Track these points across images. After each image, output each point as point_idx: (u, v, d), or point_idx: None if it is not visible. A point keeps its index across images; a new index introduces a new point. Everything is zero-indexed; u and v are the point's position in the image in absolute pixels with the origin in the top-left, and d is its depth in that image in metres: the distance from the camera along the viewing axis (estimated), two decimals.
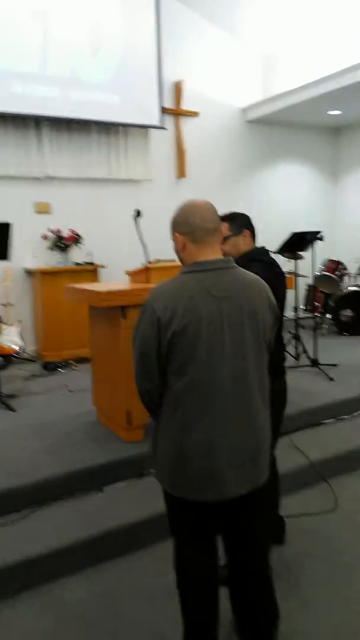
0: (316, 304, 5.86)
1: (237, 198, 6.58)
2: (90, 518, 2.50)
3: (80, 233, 5.52)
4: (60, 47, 5.20)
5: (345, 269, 6.28)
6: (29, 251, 5.41)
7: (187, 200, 1.62)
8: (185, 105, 6.27)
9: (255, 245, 2.27)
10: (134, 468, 2.85)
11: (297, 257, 4.97)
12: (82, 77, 5.37)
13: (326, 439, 3.37)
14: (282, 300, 2.21)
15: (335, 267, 6.18)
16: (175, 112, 6.21)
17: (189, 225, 1.56)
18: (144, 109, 5.75)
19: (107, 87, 5.51)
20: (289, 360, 4.67)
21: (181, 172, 6.34)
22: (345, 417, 3.71)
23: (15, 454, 2.96)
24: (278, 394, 2.19)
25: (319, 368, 4.43)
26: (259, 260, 2.15)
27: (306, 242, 4.60)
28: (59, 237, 5.44)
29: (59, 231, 5.47)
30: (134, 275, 3.40)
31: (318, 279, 5.97)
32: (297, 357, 4.80)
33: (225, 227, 2.15)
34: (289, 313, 4.97)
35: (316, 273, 5.88)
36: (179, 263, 1.68)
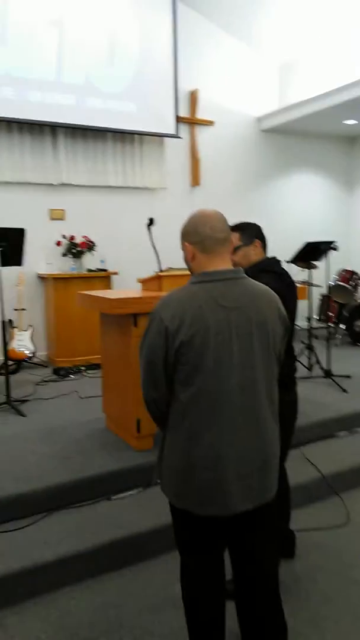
0: (330, 314, 5.80)
1: (251, 207, 6.59)
2: (97, 526, 2.48)
3: (93, 240, 5.55)
4: (76, 56, 5.27)
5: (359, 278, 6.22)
6: (43, 257, 5.45)
7: (197, 210, 1.61)
8: (201, 114, 6.30)
9: (267, 256, 2.24)
10: (142, 477, 2.82)
11: (311, 267, 4.94)
12: (99, 85, 5.43)
13: (339, 452, 3.32)
14: (293, 311, 2.19)
15: (350, 277, 6.12)
16: (190, 121, 6.25)
17: (198, 235, 1.55)
18: (159, 117, 5.79)
19: (123, 95, 5.56)
20: (302, 371, 4.63)
21: (196, 181, 6.35)
22: (359, 429, 3.65)
23: (25, 459, 2.95)
24: (289, 405, 2.16)
25: (332, 379, 4.37)
26: (269, 270, 2.12)
27: (320, 252, 4.57)
28: (73, 244, 5.48)
29: (72, 238, 5.51)
30: (146, 283, 3.40)
31: (332, 288, 5.93)
32: (310, 368, 4.75)
33: (235, 237, 2.13)
34: (302, 323, 4.94)
35: (330, 283, 5.83)
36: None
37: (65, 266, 5.52)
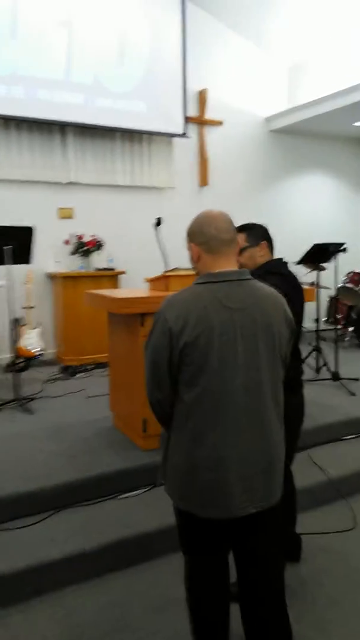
0: (338, 316, 5.77)
1: (259, 208, 6.56)
2: (104, 525, 2.49)
3: (102, 239, 5.56)
4: (85, 55, 5.28)
5: None
6: (52, 255, 5.47)
7: (203, 211, 1.61)
8: (209, 114, 6.29)
9: (273, 257, 2.23)
10: (149, 476, 2.82)
11: (319, 269, 4.91)
12: (107, 84, 5.44)
13: (346, 456, 3.30)
14: (300, 313, 2.16)
15: (359, 279, 6.09)
16: (199, 121, 6.24)
17: (204, 235, 1.55)
18: (168, 117, 5.79)
19: (132, 95, 5.56)
20: (309, 374, 4.61)
21: (204, 181, 6.34)
22: None
23: (32, 457, 2.96)
24: (295, 408, 2.15)
25: (340, 382, 4.35)
26: (275, 272, 2.11)
27: (329, 254, 4.55)
28: (81, 243, 5.49)
29: (81, 236, 5.52)
30: (153, 282, 3.40)
31: (341, 290, 5.89)
32: (317, 370, 4.73)
33: (242, 238, 2.12)
34: (310, 325, 4.91)
35: (339, 285, 5.80)
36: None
37: (73, 265, 5.53)
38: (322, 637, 1.99)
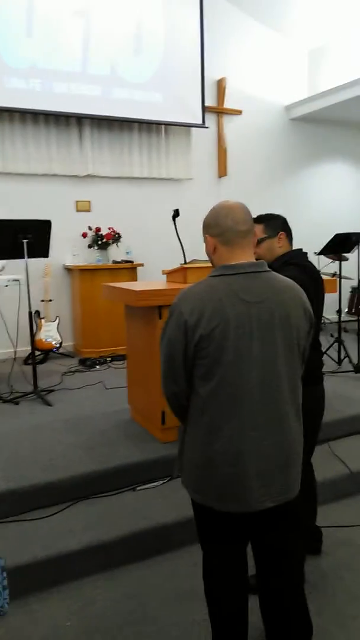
0: None
1: (279, 198, 6.47)
2: (122, 517, 2.49)
3: (119, 231, 5.55)
4: (101, 46, 5.25)
5: None
6: (69, 248, 5.49)
7: (219, 202, 1.58)
8: (228, 103, 6.20)
9: (292, 248, 2.18)
10: (167, 468, 2.82)
11: (341, 259, 4.82)
12: (124, 75, 5.40)
13: None
14: (319, 305, 2.11)
15: None
16: (217, 110, 6.16)
17: (220, 227, 1.52)
18: (186, 107, 5.73)
19: (149, 86, 5.52)
20: (331, 365, 4.54)
21: (223, 171, 6.27)
22: None
23: (52, 449, 2.98)
24: (315, 401, 2.11)
25: None
26: (294, 263, 2.06)
27: (351, 244, 4.46)
28: (99, 235, 5.50)
29: (98, 229, 5.52)
30: (170, 274, 3.38)
31: None
32: (339, 362, 4.65)
33: (259, 229, 2.08)
34: (331, 316, 4.84)
35: None
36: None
37: (91, 257, 5.54)
38: (342, 632, 1.96)
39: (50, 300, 5.29)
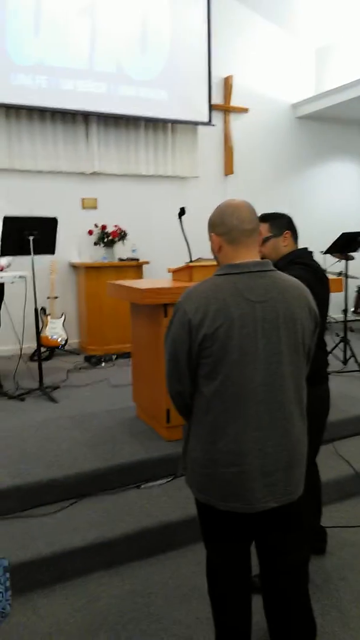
0: None
1: (286, 196, 6.45)
2: (126, 514, 2.49)
3: (125, 229, 5.55)
4: (108, 43, 5.24)
5: None
6: (75, 246, 5.49)
7: (225, 200, 1.57)
8: (235, 101, 6.18)
9: (298, 247, 2.17)
10: (172, 466, 2.82)
11: (347, 258, 4.80)
12: (131, 72, 5.39)
13: None
14: (324, 305, 2.10)
15: None
16: (224, 108, 6.14)
17: (225, 225, 1.52)
18: (192, 105, 5.71)
19: (155, 83, 5.50)
20: (336, 365, 4.53)
21: (229, 169, 6.26)
22: None
23: (56, 446, 2.99)
24: (320, 401, 2.10)
25: None
26: (299, 262, 2.05)
27: (357, 243, 4.44)
28: (105, 233, 5.50)
29: (104, 227, 5.52)
30: (176, 273, 3.37)
31: None
32: (345, 362, 4.63)
33: (264, 228, 2.07)
34: (337, 315, 4.82)
35: None
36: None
37: (97, 255, 5.55)
38: (346, 633, 1.96)
39: (56, 297, 5.30)
